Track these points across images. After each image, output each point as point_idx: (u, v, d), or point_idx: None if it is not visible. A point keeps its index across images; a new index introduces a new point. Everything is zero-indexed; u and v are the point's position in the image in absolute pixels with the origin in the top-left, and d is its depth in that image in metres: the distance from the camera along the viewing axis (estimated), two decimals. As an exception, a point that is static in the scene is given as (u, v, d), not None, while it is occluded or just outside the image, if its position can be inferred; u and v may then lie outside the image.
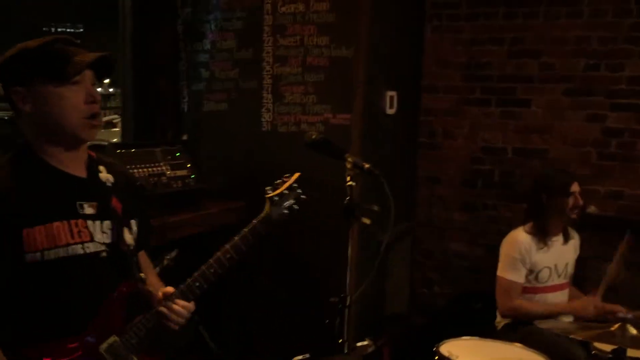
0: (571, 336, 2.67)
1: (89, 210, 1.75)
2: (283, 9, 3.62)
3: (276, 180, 2.02)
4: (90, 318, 1.73)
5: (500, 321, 3.17)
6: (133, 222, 1.88)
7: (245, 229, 1.90)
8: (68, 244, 1.68)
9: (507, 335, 2.95)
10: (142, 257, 1.99)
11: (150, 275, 2.00)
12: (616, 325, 2.37)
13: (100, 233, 1.76)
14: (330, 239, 3.26)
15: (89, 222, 1.74)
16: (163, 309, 1.80)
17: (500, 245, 3.20)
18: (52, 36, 1.74)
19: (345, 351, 1.86)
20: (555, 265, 3.15)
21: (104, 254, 1.76)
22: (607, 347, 2.47)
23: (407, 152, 4.33)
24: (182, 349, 3.15)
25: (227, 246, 1.86)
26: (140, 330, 1.79)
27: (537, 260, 3.10)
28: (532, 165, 4.04)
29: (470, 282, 4.22)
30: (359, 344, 1.90)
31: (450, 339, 2.62)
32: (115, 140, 4.58)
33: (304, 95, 3.61)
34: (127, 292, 1.80)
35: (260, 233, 1.91)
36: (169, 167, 3.35)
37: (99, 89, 1.89)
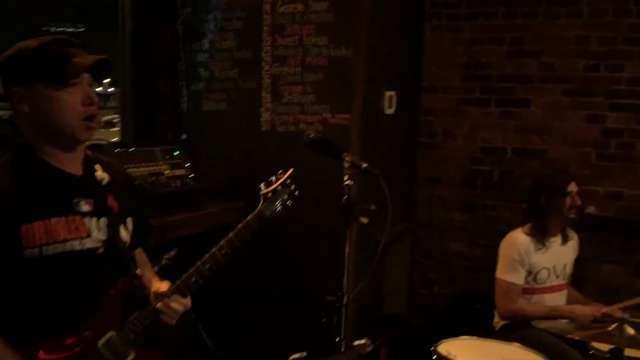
0: (569, 336, 2.68)
1: (85, 207, 1.76)
2: (282, 8, 3.63)
3: (270, 177, 2.03)
4: (88, 314, 1.74)
5: (498, 321, 3.17)
6: (129, 220, 1.90)
7: (240, 225, 1.92)
8: (66, 240, 1.69)
9: (505, 335, 2.95)
10: (139, 254, 2.00)
11: (146, 272, 2.01)
12: (614, 325, 2.38)
13: (97, 230, 1.77)
14: (329, 238, 3.27)
15: (86, 219, 1.76)
16: (159, 304, 1.82)
17: (499, 247, 3.20)
18: (51, 36, 1.75)
19: (342, 350, 1.86)
20: (554, 266, 3.15)
21: (100, 250, 1.77)
22: (605, 347, 2.48)
23: (406, 152, 4.33)
24: (180, 346, 3.16)
25: (222, 242, 1.89)
26: (137, 326, 1.80)
27: (536, 261, 3.10)
28: (532, 166, 4.04)
29: (469, 282, 4.23)
30: (356, 342, 1.90)
31: (449, 339, 2.62)
32: (114, 139, 4.57)
33: (302, 95, 3.61)
34: (124, 288, 1.81)
35: (254, 229, 1.93)
36: (168, 167, 3.35)
37: (98, 89, 1.91)
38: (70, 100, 1.69)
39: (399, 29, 4.04)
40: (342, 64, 3.51)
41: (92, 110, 1.73)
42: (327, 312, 1.90)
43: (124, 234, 1.85)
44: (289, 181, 2.03)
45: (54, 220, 1.68)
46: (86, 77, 1.73)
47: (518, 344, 2.63)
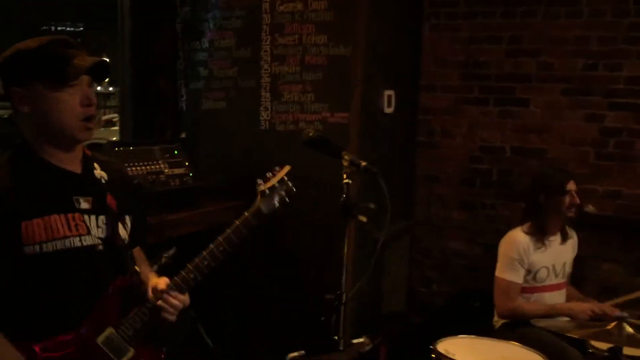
0: (568, 335, 2.69)
1: (84, 205, 1.78)
2: (281, 7, 3.63)
3: (267, 173, 2.03)
4: (87, 311, 1.75)
5: (497, 320, 3.18)
6: (127, 218, 1.91)
7: (237, 221, 1.94)
8: (65, 237, 1.71)
9: (504, 334, 2.95)
10: (137, 252, 2.02)
11: (144, 270, 2.02)
12: (613, 324, 2.38)
13: (96, 227, 1.79)
14: (328, 237, 3.26)
15: (85, 217, 1.77)
16: (159, 301, 1.83)
17: (499, 246, 3.20)
18: (50, 37, 1.76)
19: (341, 348, 1.86)
20: (553, 265, 3.16)
21: (100, 247, 1.79)
22: (604, 346, 2.48)
23: (405, 150, 4.33)
24: (180, 343, 3.16)
25: (220, 238, 1.90)
26: (136, 322, 1.82)
27: (535, 260, 3.11)
28: (530, 165, 4.04)
29: (468, 281, 4.23)
30: (355, 341, 1.91)
31: (447, 337, 2.63)
32: (114, 138, 4.58)
33: (302, 93, 3.61)
34: (122, 285, 1.82)
35: (252, 225, 1.95)
36: (167, 166, 3.35)
37: (98, 88, 1.92)
38: (70, 101, 1.71)
39: (398, 28, 4.04)
40: (341, 63, 3.51)
41: (91, 111, 1.76)
42: (326, 311, 1.90)
43: (123, 232, 1.87)
44: (286, 178, 2.03)
45: (53, 217, 1.69)
46: (85, 78, 1.75)
47: (517, 343, 2.63)
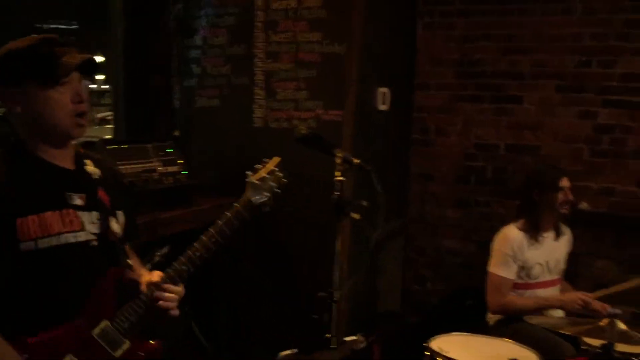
0: (561, 331, 2.69)
1: (77, 201, 1.79)
2: (275, 5, 3.62)
3: (256, 165, 2.03)
4: (82, 306, 1.77)
5: (491, 317, 3.18)
6: (120, 213, 1.93)
7: (229, 213, 1.94)
8: (60, 233, 1.72)
9: (498, 331, 2.96)
10: (128, 249, 2.02)
11: (135, 264, 2.03)
12: (605, 321, 2.38)
13: (90, 223, 1.80)
14: (321, 234, 3.26)
15: (79, 212, 1.78)
16: (157, 293, 1.84)
17: (492, 242, 3.21)
18: (40, 36, 1.77)
19: (334, 346, 1.86)
20: (547, 262, 3.16)
21: (94, 242, 1.80)
22: (596, 342, 2.48)
23: (399, 148, 4.33)
24: (177, 337, 3.15)
25: (212, 230, 1.91)
26: (132, 315, 1.83)
27: (529, 257, 3.11)
28: (525, 162, 4.04)
29: (463, 279, 4.23)
30: (348, 338, 1.90)
31: (441, 335, 2.63)
32: (107, 137, 4.56)
33: (296, 91, 3.61)
34: (116, 277, 1.83)
35: (244, 217, 1.95)
36: (160, 163, 3.34)
37: (92, 86, 1.94)
38: (61, 99, 1.73)
39: (393, 27, 4.04)
40: (335, 61, 3.51)
41: (82, 107, 1.77)
42: (319, 308, 1.90)
43: (116, 227, 1.88)
44: (277, 169, 2.03)
45: (48, 214, 1.71)
46: (75, 75, 1.76)
47: (510, 340, 2.64)
